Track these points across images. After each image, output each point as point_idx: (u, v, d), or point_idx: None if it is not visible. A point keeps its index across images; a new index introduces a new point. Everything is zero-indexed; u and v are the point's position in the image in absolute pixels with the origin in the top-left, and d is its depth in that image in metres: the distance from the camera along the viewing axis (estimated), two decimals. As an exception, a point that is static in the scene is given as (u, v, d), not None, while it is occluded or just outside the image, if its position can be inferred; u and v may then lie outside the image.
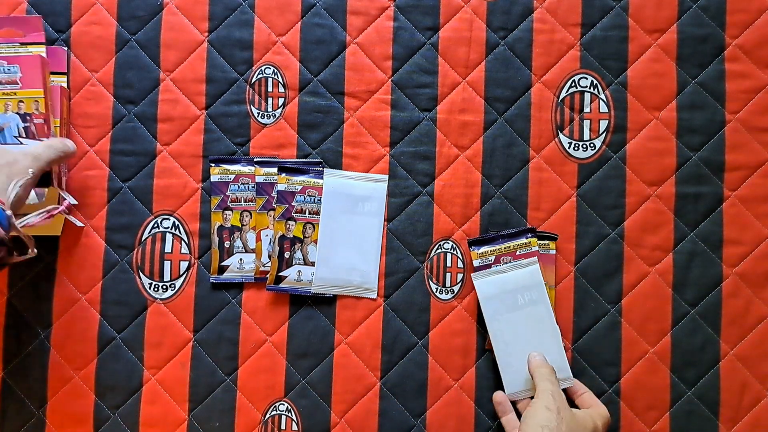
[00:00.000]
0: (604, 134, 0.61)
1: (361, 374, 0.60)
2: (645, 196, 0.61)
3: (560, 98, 0.62)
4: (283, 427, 0.60)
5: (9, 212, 0.48)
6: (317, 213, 0.61)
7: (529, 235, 0.59)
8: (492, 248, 0.59)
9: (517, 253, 0.59)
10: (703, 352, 0.59)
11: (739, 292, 0.60)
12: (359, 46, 0.63)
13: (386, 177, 0.61)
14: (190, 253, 0.61)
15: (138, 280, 0.61)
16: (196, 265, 0.61)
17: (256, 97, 0.62)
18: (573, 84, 0.62)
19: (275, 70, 0.63)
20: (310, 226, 0.60)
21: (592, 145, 0.61)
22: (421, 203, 0.61)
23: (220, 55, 0.63)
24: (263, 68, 0.63)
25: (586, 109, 0.62)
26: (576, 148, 0.61)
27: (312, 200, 0.61)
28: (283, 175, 0.60)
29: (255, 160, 0.61)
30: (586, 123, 0.61)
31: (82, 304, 0.61)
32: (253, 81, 0.63)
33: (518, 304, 0.57)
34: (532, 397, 0.54)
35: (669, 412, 0.59)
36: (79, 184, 0.62)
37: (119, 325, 0.61)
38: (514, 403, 0.57)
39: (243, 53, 0.63)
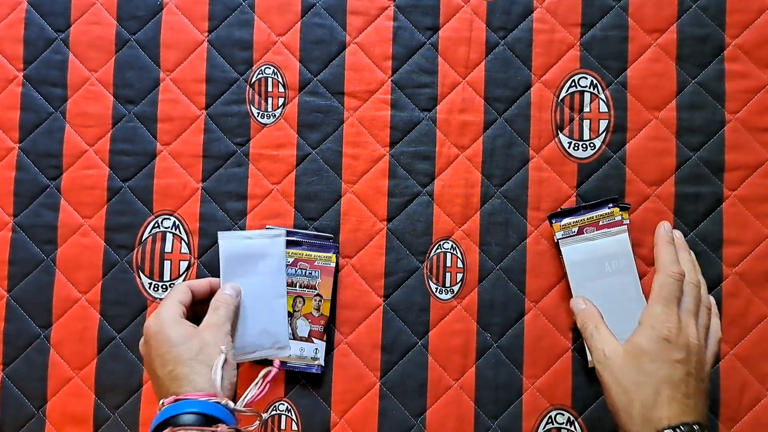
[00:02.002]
0: (603, 134, 0.61)
1: (360, 374, 0.60)
2: (645, 195, 0.61)
3: (560, 98, 0.62)
4: (282, 426, 0.60)
5: (226, 402, 0.46)
6: (309, 287, 0.59)
7: (611, 205, 0.59)
8: (575, 219, 0.59)
9: (600, 223, 0.58)
10: (702, 351, 0.59)
11: (739, 292, 0.60)
12: (359, 46, 0.63)
13: (284, 231, 0.59)
14: (190, 252, 0.61)
15: (138, 280, 0.61)
16: (195, 265, 0.61)
17: (256, 96, 0.62)
18: (573, 84, 0.62)
19: (275, 70, 0.63)
20: (301, 299, 0.59)
21: (591, 144, 0.61)
22: (421, 203, 0.61)
23: (219, 55, 0.63)
24: (263, 68, 0.63)
25: (586, 109, 0.62)
26: (576, 148, 0.61)
27: (303, 273, 0.59)
28: None
29: (267, 227, 0.60)
30: (586, 123, 0.61)
31: (82, 304, 0.61)
32: (253, 81, 0.63)
33: (605, 271, 0.57)
34: None
35: (669, 412, 0.59)
36: (78, 184, 0.62)
37: (119, 325, 0.61)
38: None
39: (243, 53, 0.63)
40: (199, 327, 0.51)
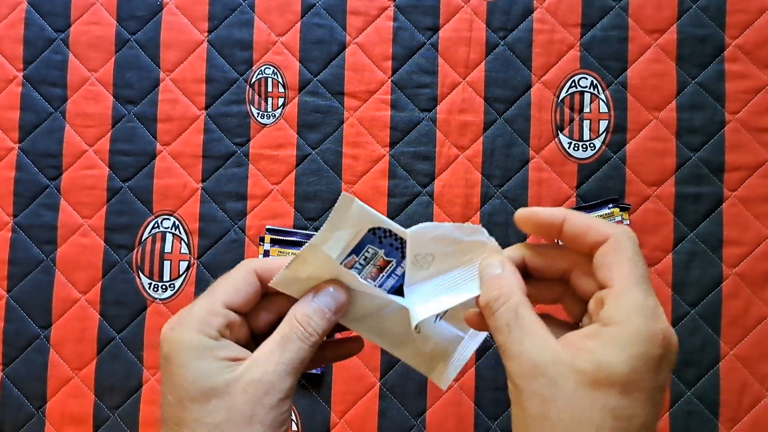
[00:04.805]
0: (603, 134, 0.61)
1: (360, 374, 0.60)
2: (645, 196, 0.61)
3: (560, 98, 0.62)
4: (282, 427, 0.60)
5: None
6: None
7: (611, 206, 0.59)
8: None
9: None
10: (702, 352, 0.59)
11: (739, 293, 0.60)
12: (359, 46, 0.63)
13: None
14: (190, 253, 0.61)
15: (137, 280, 0.61)
16: (195, 265, 0.61)
17: (256, 97, 0.62)
18: (573, 84, 0.62)
19: (275, 70, 0.63)
20: None
21: (591, 145, 0.61)
22: (421, 203, 0.61)
23: (219, 55, 0.63)
24: (263, 68, 0.63)
25: (586, 110, 0.62)
26: (576, 148, 0.61)
27: None
28: (275, 247, 0.59)
29: (267, 227, 0.60)
30: (586, 123, 0.61)
31: (81, 304, 0.61)
32: (252, 81, 0.63)
33: None
34: None
35: (669, 413, 0.59)
36: (78, 184, 0.62)
37: (119, 325, 0.61)
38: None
39: (243, 53, 0.63)
40: (240, 369, 0.30)
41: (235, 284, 0.32)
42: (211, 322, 0.30)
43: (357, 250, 0.33)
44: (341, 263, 0.33)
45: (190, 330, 0.30)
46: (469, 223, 0.32)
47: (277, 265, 0.32)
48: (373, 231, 0.33)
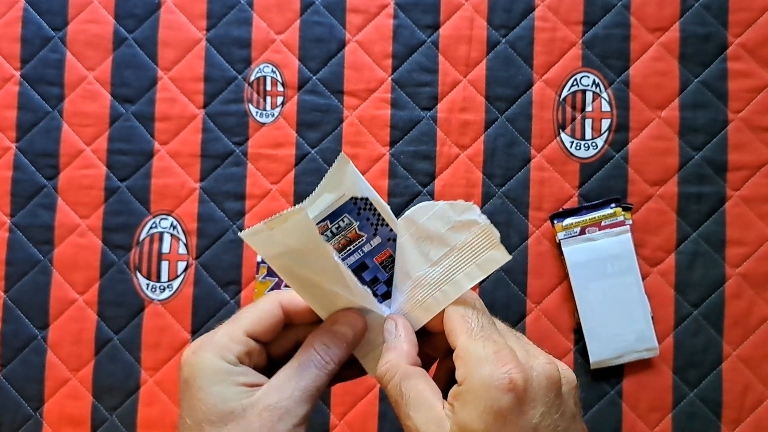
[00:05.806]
0: (606, 133, 0.61)
1: (360, 376, 0.59)
2: (647, 196, 0.60)
3: (562, 97, 0.61)
4: (282, 428, 0.59)
5: None
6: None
7: (613, 205, 0.59)
8: (577, 220, 0.58)
9: (602, 224, 0.58)
10: (705, 353, 0.59)
11: (742, 293, 0.59)
12: (359, 45, 0.62)
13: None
14: (188, 253, 0.61)
15: (135, 280, 0.61)
16: (193, 266, 0.61)
17: (255, 95, 0.62)
18: (575, 82, 0.61)
19: (274, 69, 0.62)
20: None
21: (594, 144, 0.61)
22: (422, 203, 0.61)
23: (218, 54, 0.62)
24: (262, 67, 0.62)
25: (588, 108, 0.61)
26: (578, 148, 0.61)
27: None
28: None
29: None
30: (588, 122, 0.61)
31: (79, 305, 0.61)
32: (251, 80, 0.62)
33: (607, 272, 0.57)
34: (620, 366, 0.55)
35: (671, 414, 0.59)
36: (76, 184, 0.62)
37: (117, 326, 0.61)
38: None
39: (241, 51, 0.62)
40: (257, 394, 0.30)
41: (259, 314, 0.32)
42: (231, 348, 0.31)
43: (333, 216, 0.32)
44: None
45: (210, 354, 0.31)
46: (461, 201, 0.31)
47: (304, 300, 0.33)
48: (354, 200, 0.32)
